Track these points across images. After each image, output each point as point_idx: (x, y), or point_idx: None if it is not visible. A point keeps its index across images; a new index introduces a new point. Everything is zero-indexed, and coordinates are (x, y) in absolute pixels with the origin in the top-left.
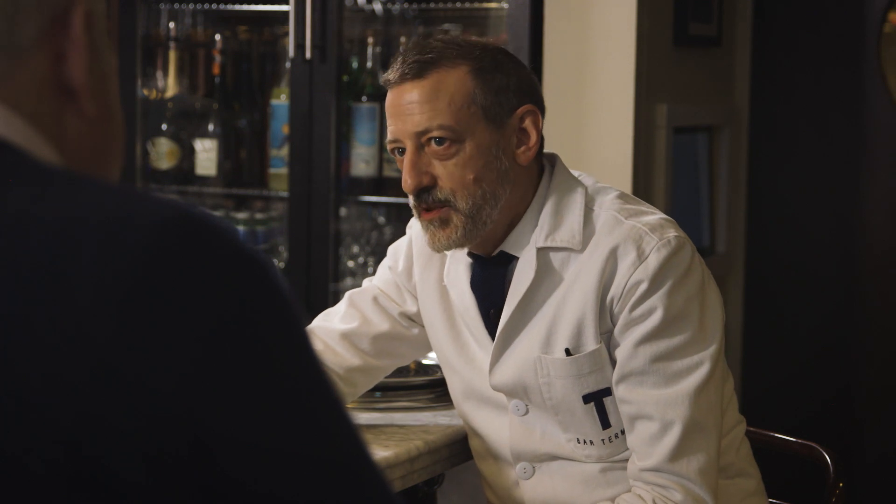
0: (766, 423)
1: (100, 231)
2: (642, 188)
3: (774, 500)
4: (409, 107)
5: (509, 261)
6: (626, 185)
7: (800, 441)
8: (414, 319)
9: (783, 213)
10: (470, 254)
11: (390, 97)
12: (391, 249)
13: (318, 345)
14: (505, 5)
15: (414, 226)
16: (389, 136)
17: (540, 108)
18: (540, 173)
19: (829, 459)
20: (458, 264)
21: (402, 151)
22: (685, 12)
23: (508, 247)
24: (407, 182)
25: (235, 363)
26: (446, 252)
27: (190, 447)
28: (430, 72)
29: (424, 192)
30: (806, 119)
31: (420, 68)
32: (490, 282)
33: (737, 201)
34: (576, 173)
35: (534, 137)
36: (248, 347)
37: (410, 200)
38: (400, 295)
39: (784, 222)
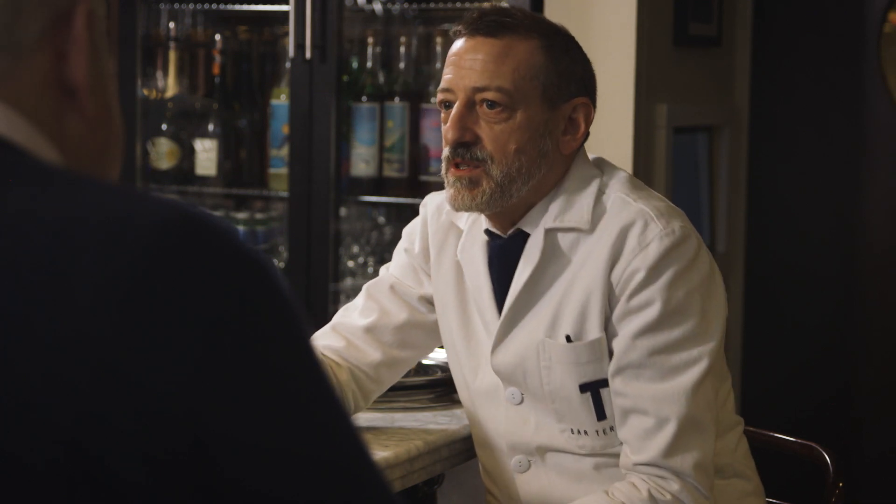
0: (766, 423)
1: (100, 231)
2: None
3: (774, 500)
4: (473, 61)
5: (525, 240)
6: None
7: (799, 441)
8: (433, 303)
9: (783, 213)
10: (486, 231)
11: (456, 47)
12: (406, 231)
13: (341, 342)
14: (505, 5)
15: (429, 203)
16: (443, 85)
17: (594, 105)
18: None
19: (828, 459)
20: (475, 243)
21: (449, 105)
22: (685, 12)
23: (525, 225)
24: (448, 134)
25: (235, 363)
26: (460, 226)
27: (190, 447)
28: (504, 34)
29: (462, 146)
30: (806, 119)
31: (496, 28)
32: (506, 262)
33: (737, 201)
34: (593, 157)
35: (581, 130)
36: (248, 348)
37: (445, 152)
38: (416, 278)
39: (784, 222)
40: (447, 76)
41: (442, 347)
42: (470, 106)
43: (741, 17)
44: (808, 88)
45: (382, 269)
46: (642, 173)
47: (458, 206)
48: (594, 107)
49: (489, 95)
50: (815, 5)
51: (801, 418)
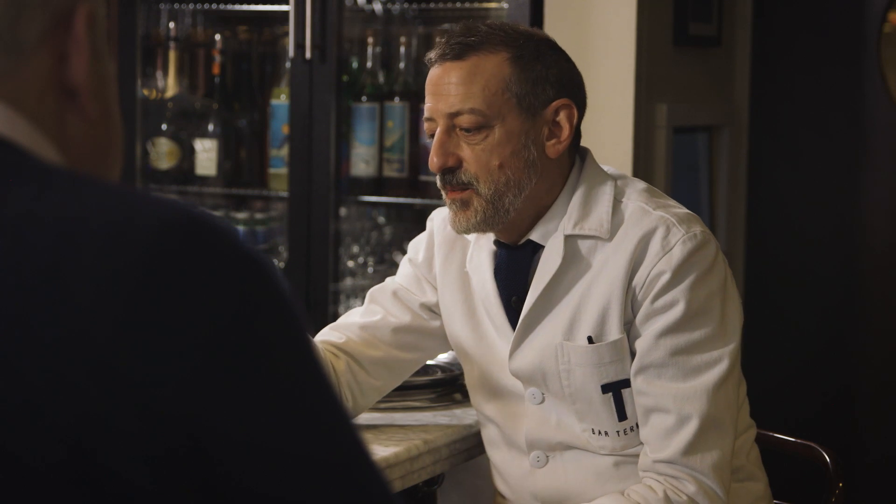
0: (766, 423)
1: (101, 231)
2: None
3: (775, 501)
4: (445, 87)
5: (535, 250)
6: None
7: (800, 441)
8: (434, 311)
9: (783, 212)
10: (496, 241)
11: (430, 75)
12: (411, 244)
13: (341, 337)
14: (505, 5)
15: (435, 217)
16: (426, 114)
17: (579, 103)
18: (571, 167)
19: (828, 459)
20: (482, 251)
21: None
22: (685, 12)
23: (536, 236)
24: (433, 161)
25: (236, 364)
26: (468, 237)
27: (190, 448)
28: (469, 55)
29: (449, 172)
30: (806, 119)
31: (461, 50)
32: (514, 269)
33: (736, 201)
34: (605, 168)
35: (566, 132)
36: (249, 349)
37: (437, 180)
38: (420, 287)
39: (784, 222)
40: (427, 105)
41: (445, 352)
42: (449, 131)
43: (741, 17)
44: (808, 88)
45: (388, 279)
46: (642, 173)
47: (457, 229)
48: (581, 105)
49: (464, 119)
50: (814, 5)
51: (801, 418)
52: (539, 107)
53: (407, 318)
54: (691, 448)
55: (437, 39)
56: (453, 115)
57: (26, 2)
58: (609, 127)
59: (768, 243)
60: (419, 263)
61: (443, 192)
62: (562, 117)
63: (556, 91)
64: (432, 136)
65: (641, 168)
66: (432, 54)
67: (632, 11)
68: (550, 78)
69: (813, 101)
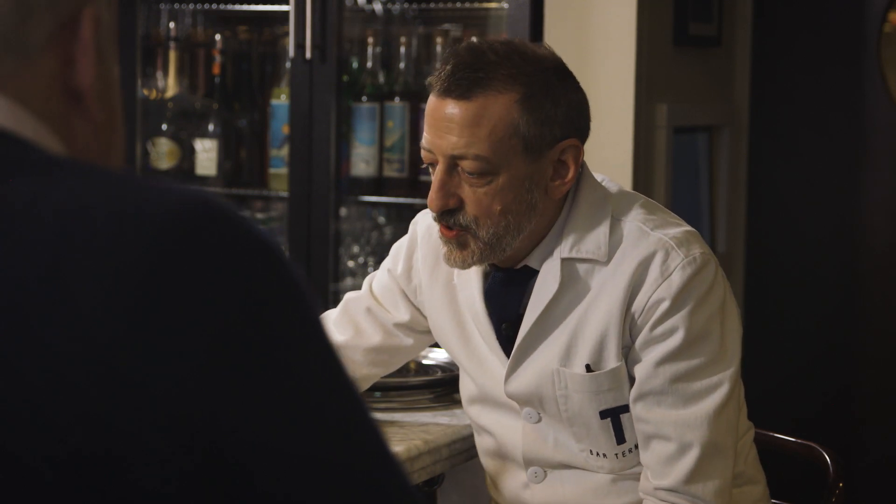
0: (766, 423)
1: (103, 227)
2: (642, 188)
3: (774, 501)
4: (448, 125)
5: (532, 275)
6: (627, 186)
7: (800, 441)
8: (409, 327)
9: (783, 213)
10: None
11: (432, 103)
12: (393, 249)
13: None
14: (505, 5)
15: (419, 222)
16: (424, 143)
17: (583, 136)
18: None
19: (829, 459)
20: (470, 270)
21: (435, 161)
22: (685, 12)
23: (533, 261)
24: (433, 201)
25: (248, 362)
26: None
27: (202, 450)
28: (476, 94)
29: (448, 213)
30: (806, 119)
31: (468, 87)
32: (507, 294)
33: (737, 201)
34: (598, 177)
35: (571, 172)
36: (262, 345)
37: (431, 214)
38: (394, 302)
39: (784, 222)
40: (426, 135)
41: (423, 359)
42: (451, 170)
43: (741, 17)
44: (808, 88)
45: (366, 282)
46: (642, 173)
47: (451, 265)
48: (585, 136)
49: (467, 165)
50: (814, 5)
51: (801, 418)
52: (545, 148)
53: (378, 337)
54: (693, 476)
55: (440, 65)
56: (456, 157)
57: (33, 4)
58: (609, 127)
59: (768, 243)
60: (398, 275)
61: (437, 225)
62: (568, 157)
63: (563, 129)
64: (430, 164)
65: (641, 168)
66: (436, 82)
67: (632, 11)
68: (559, 117)
69: (813, 101)
